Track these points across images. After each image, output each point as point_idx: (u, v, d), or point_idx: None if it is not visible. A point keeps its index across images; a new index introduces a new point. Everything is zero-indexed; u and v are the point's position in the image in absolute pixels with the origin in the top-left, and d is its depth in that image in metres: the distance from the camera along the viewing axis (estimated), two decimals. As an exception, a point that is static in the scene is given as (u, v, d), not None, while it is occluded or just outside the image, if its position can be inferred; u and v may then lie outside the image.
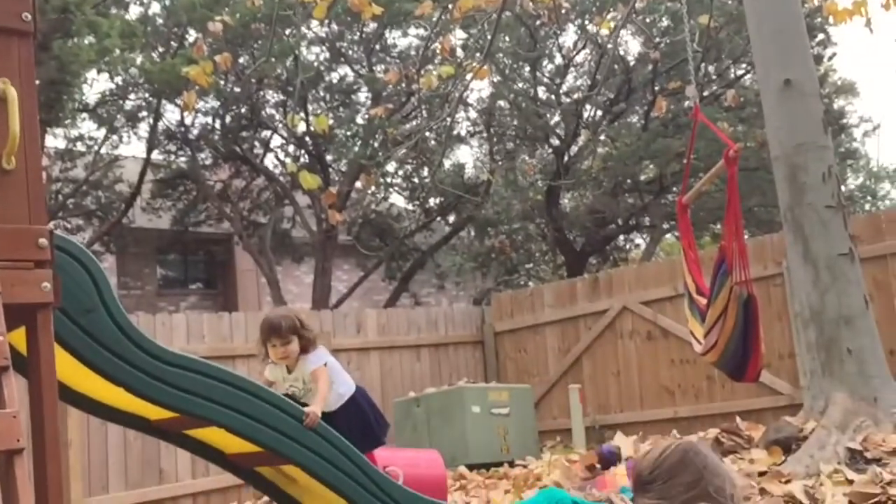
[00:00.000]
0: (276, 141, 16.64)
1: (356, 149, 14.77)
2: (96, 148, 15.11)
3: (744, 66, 14.48)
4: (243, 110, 15.31)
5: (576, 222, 15.93)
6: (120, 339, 2.66)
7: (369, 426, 4.07)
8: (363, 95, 16.04)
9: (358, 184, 14.79)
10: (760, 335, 4.08)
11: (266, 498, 6.06)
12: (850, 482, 4.07)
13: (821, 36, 14.59)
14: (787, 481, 4.32)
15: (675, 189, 14.48)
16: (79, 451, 6.32)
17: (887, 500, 3.65)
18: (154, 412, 3.05)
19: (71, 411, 5.94)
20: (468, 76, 8.39)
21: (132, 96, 14.69)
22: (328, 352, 4.15)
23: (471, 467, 7.24)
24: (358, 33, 15.76)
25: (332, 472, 3.19)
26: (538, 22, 14.17)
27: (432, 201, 16.31)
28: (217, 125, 15.59)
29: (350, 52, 15.95)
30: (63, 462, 3.96)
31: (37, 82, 2.31)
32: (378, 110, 10.48)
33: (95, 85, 38.29)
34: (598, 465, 5.90)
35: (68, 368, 2.67)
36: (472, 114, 16.40)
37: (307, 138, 15.60)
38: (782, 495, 4.01)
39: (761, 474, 4.49)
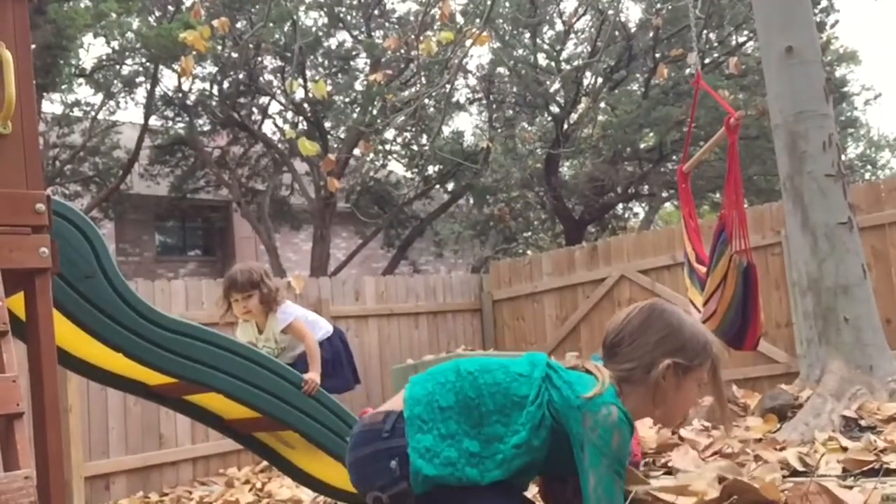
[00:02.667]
0: (275, 107, 16.57)
1: (355, 115, 14.70)
2: (93, 114, 15.03)
3: (746, 33, 14.37)
4: (241, 76, 15.20)
5: (575, 190, 15.90)
6: (118, 304, 2.66)
7: (339, 366, 4.05)
8: (362, 61, 15.94)
9: (357, 151, 14.73)
10: (759, 304, 4.09)
11: (265, 463, 6.11)
12: (845, 449, 4.09)
13: (824, 2, 14.48)
14: (782, 448, 4.35)
15: (674, 157, 14.44)
16: (79, 416, 6.36)
17: (881, 467, 3.68)
18: (153, 378, 3.06)
19: (71, 377, 5.96)
20: (468, 42, 8.31)
21: (129, 61, 14.57)
22: (293, 304, 4.10)
23: (468, 433, 7.29)
24: (356, -2, 15.61)
25: (331, 438, 3.21)
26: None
27: (431, 169, 16.26)
28: (215, 91, 15.49)
29: (349, 18, 15.80)
30: (63, 427, 3.98)
31: (32, 46, 2.29)
32: (377, 76, 10.40)
33: (92, 49, 38.01)
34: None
35: (67, 334, 2.68)
36: (472, 81, 16.31)
37: (305, 105, 15.51)
38: (777, 462, 4.04)
39: (756, 441, 4.52)
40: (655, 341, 1.89)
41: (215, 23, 8.01)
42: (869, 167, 23.78)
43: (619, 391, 1.87)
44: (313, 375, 3.37)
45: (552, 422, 1.83)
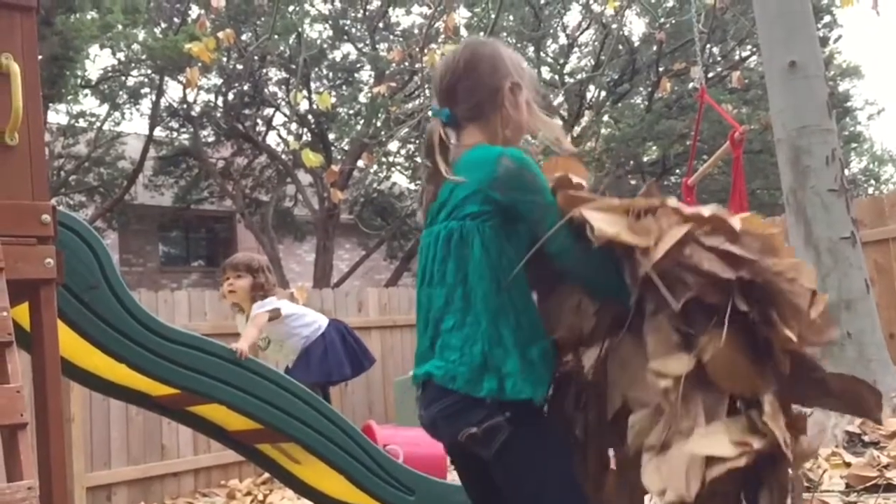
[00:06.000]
0: (279, 119, 16.64)
1: (359, 127, 14.74)
2: (98, 124, 15.10)
3: (749, 47, 14.43)
4: (246, 88, 15.28)
5: (578, 203, 15.89)
6: (123, 315, 2.67)
7: (324, 362, 4.05)
8: (366, 74, 16.00)
9: (360, 162, 14.78)
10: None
11: (267, 475, 6.10)
12: (848, 465, 4.08)
13: (827, 18, 14.53)
14: (785, 463, 4.34)
15: (678, 171, 14.46)
16: (81, 426, 6.35)
17: (885, 482, 3.67)
18: (156, 388, 3.06)
19: (73, 387, 5.96)
20: (472, 55, 8.32)
21: (134, 72, 14.65)
22: (282, 300, 4.11)
23: (470, 446, 7.26)
24: (361, 11, 15.69)
25: (333, 450, 3.20)
26: (542, 0, 14.08)
27: (434, 181, 16.28)
28: (219, 102, 15.56)
29: (353, 30, 15.88)
30: (65, 437, 3.98)
31: (39, 57, 2.31)
32: (381, 88, 10.44)
33: (98, 60, 38.17)
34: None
35: (71, 344, 2.68)
36: (476, 93, 16.34)
37: (310, 116, 15.57)
38: (780, 477, 4.02)
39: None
40: (490, 70, 1.95)
41: (220, 34, 8.04)
42: (872, 182, 23.80)
43: (487, 139, 1.91)
44: (240, 344, 3.35)
45: (495, 231, 1.78)
